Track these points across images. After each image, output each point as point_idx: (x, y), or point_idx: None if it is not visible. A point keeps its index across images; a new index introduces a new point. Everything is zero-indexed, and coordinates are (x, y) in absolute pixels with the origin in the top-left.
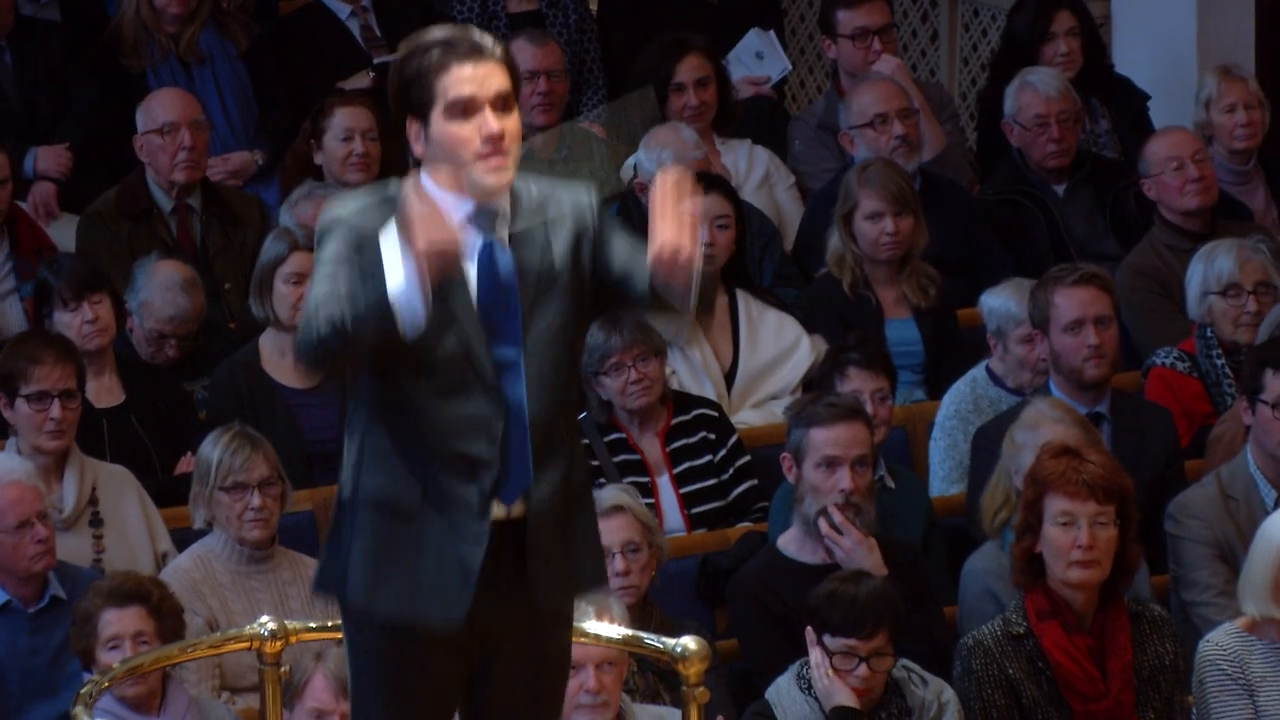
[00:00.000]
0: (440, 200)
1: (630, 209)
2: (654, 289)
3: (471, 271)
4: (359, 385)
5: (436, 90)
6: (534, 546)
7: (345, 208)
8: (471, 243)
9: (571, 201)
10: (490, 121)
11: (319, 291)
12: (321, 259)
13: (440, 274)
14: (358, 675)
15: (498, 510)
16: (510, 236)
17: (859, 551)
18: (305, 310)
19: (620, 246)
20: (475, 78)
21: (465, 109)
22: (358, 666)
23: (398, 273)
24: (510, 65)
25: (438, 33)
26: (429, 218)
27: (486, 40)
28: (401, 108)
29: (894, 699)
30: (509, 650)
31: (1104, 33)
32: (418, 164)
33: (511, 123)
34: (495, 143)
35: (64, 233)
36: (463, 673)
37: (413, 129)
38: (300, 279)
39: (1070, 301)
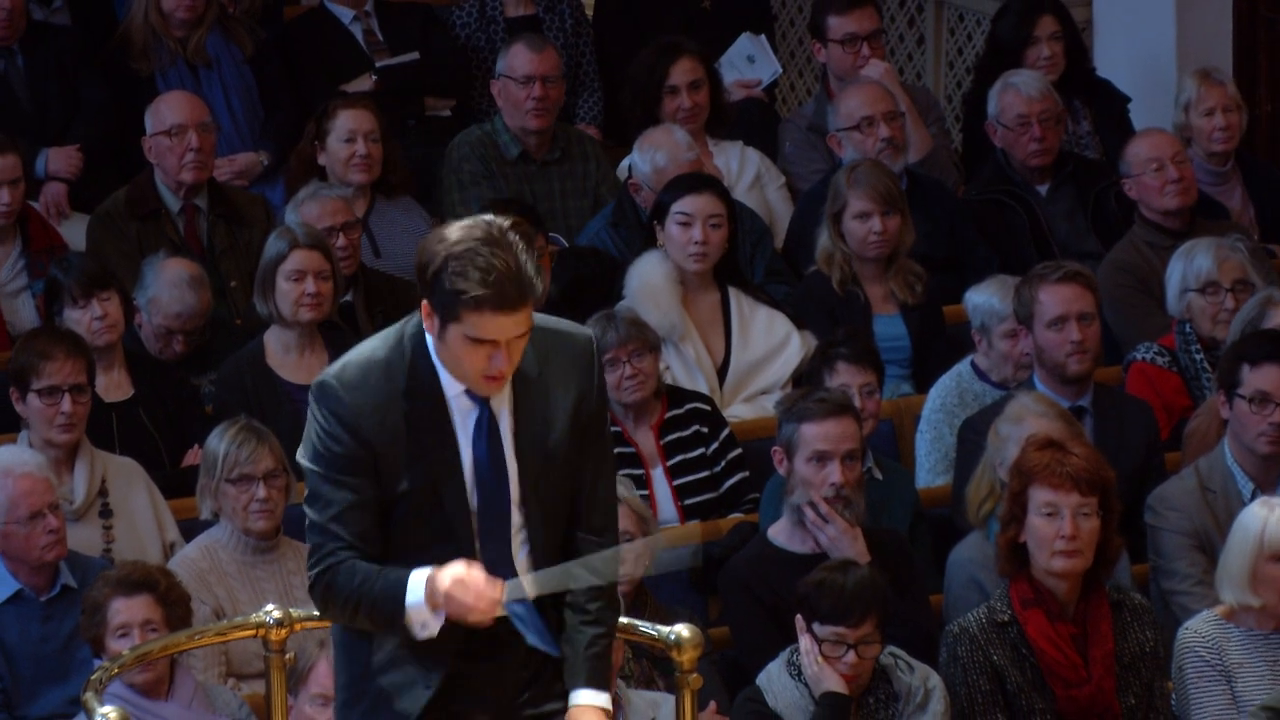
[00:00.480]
0: (439, 369)
1: (625, 209)
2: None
3: (467, 448)
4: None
5: (463, 318)
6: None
7: (339, 381)
8: (466, 413)
9: (576, 355)
10: (501, 360)
11: (322, 514)
12: (320, 477)
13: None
14: None
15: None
16: (514, 395)
17: (843, 540)
18: (313, 522)
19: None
20: (502, 327)
21: (485, 343)
22: None
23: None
24: (538, 298)
25: (484, 257)
26: (473, 608)
27: (528, 278)
28: (422, 290)
29: (881, 685)
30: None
31: (1086, 37)
32: (421, 335)
33: (519, 349)
34: (500, 374)
35: (74, 232)
36: None
37: (427, 312)
38: (300, 276)
39: (1053, 298)
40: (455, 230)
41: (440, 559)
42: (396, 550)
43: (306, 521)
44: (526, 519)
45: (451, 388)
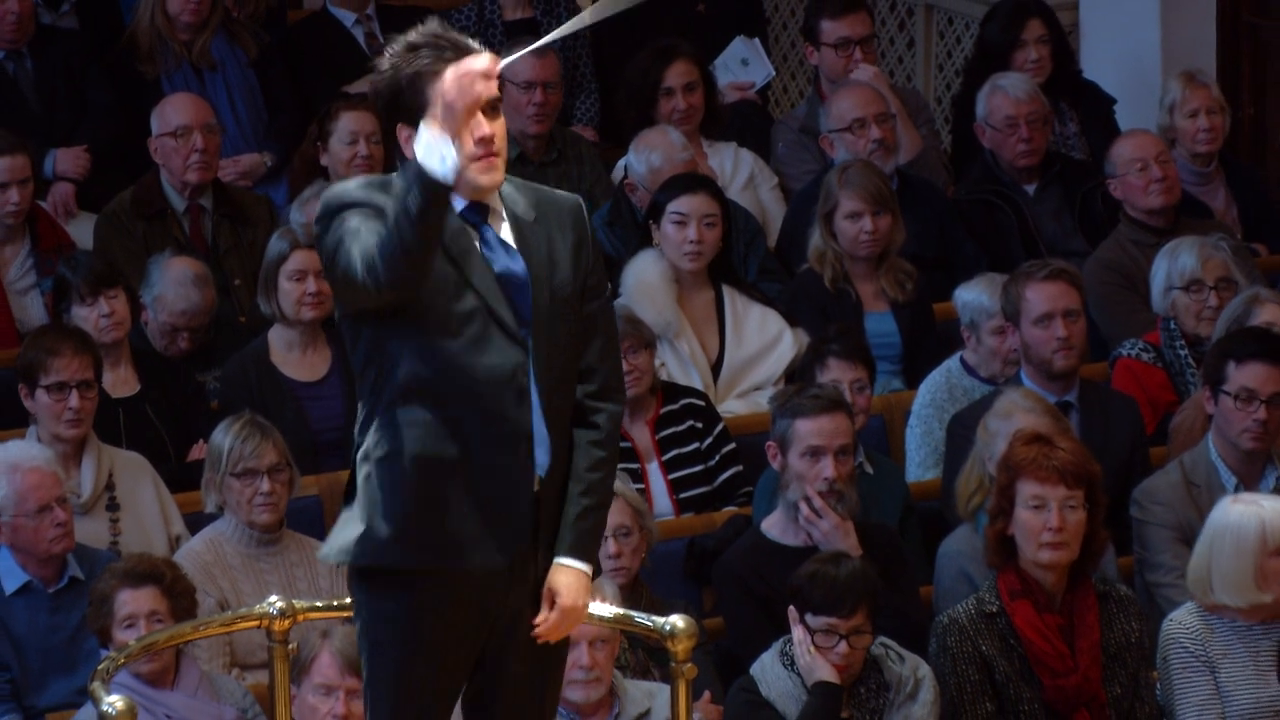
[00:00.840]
0: None
1: (621, 209)
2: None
3: (478, 245)
4: (380, 357)
5: (430, 95)
6: (543, 519)
7: (348, 185)
8: (464, 235)
9: (568, 208)
10: (483, 124)
11: (363, 232)
12: (346, 219)
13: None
14: (371, 650)
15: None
16: (512, 230)
17: (835, 534)
18: (352, 251)
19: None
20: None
21: None
22: (372, 640)
23: (423, 136)
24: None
25: (420, 35)
26: (473, 65)
27: (470, 41)
28: (391, 114)
29: (872, 674)
30: (517, 631)
31: (1072, 40)
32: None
33: (500, 125)
34: (487, 144)
35: (82, 231)
36: (472, 654)
37: (404, 134)
38: (302, 276)
39: (1040, 296)
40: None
41: (477, 336)
42: (436, 342)
43: (337, 265)
44: (537, 350)
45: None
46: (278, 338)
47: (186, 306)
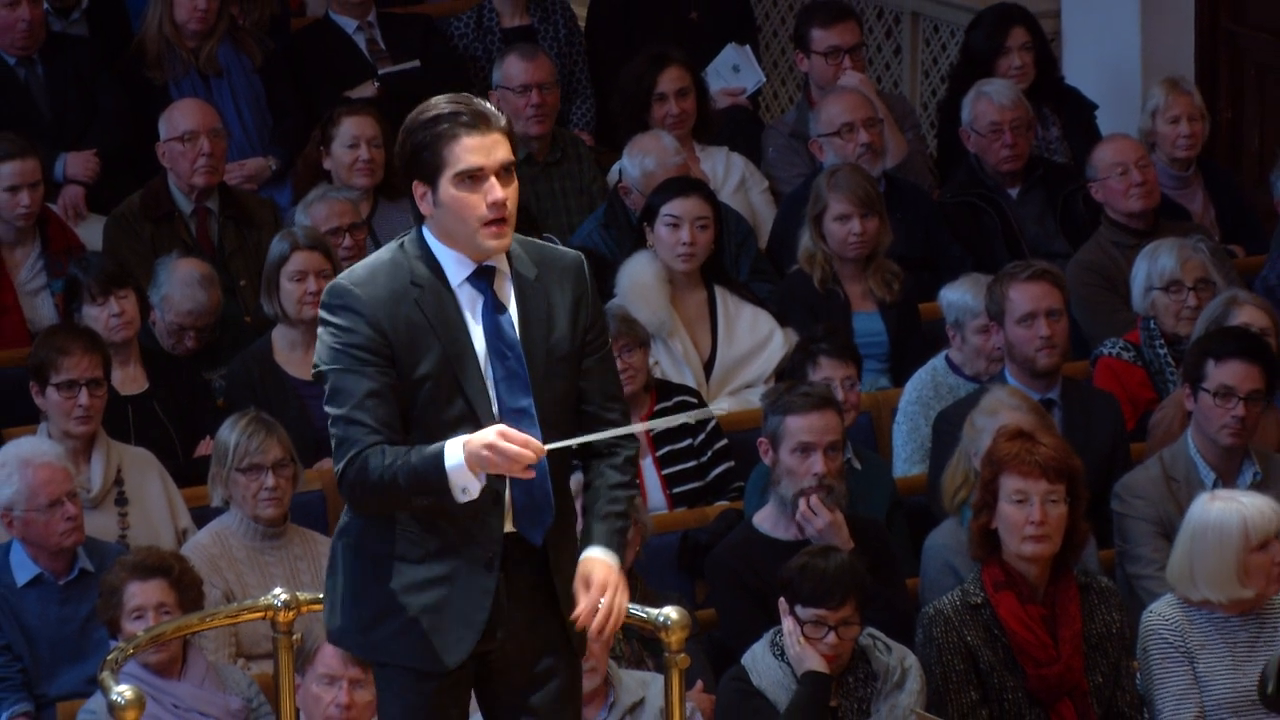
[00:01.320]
0: (441, 257)
1: (616, 211)
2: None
3: (477, 330)
4: None
5: (446, 158)
6: (555, 566)
7: (349, 280)
8: (473, 300)
9: (569, 266)
10: (496, 190)
11: (344, 406)
12: (339, 372)
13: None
14: (381, 708)
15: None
16: (515, 292)
17: (830, 530)
18: (336, 417)
19: (590, 360)
20: (482, 148)
21: (473, 177)
22: (381, 699)
23: (456, 459)
24: (511, 135)
25: (445, 103)
26: (520, 455)
27: (491, 110)
28: (409, 171)
29: (860, 664)
30: (520, 673)
31: (1055, 47)
32: (419, 220)
33: (512, 191)
34: (499, 209)
35: (92, 233)
36: (468, 696)
37: (419, 191)
38: (302, 276)
39: (1024, 296)
40: (416, 109)
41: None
42: (420, 439)
43: (330, 421)
44: (536, 408)
45: (456, 276)
46: (281, 337)
47: (193, 307)
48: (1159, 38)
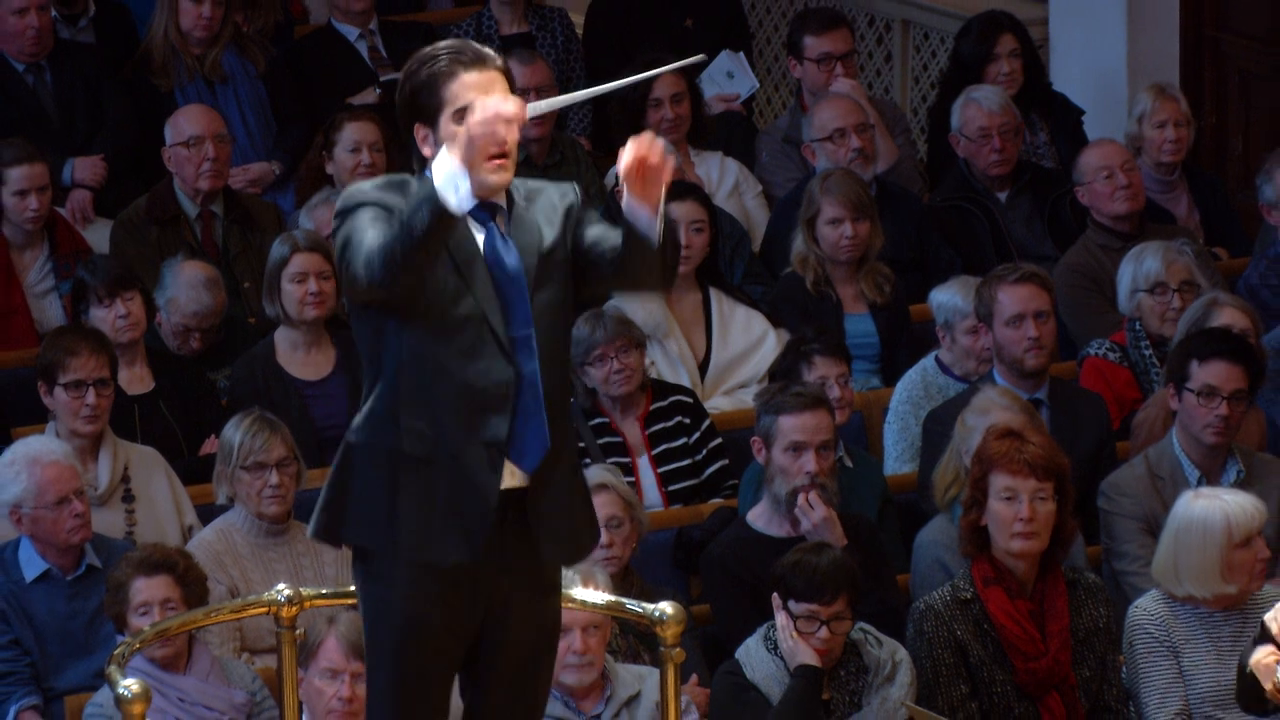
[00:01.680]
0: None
1: (612, 213)
2: (625, 224)
3: (481, 260)
4: (380, 350)
5: (445, 96)
6: (536, 509)
7: (365, 185)
8: (476, 233)
9: (559, 192)
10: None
11: (370, 231)
12: (359, 216)
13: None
14: (370, 631)
15: (507, 479)
16: (512, 223)
17: (825, 526)
18: (358, 247)
19: (595, 222)
20: (480, 84)
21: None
22: (370, 621)
23: (442, 164)
24: (508, 74)
25: (442, 43)
26: (501, 108)
27: (488, 50)
28: (410, 114)
29: (852, 658)
30: (511, 615)
31: (1043, 54)
32: (422, 165)
33: (514, 131)
34: (503, 144)
35: (99, 236)
36: (467, 635)
37: (420, 133)
38: (303, 278)
39: (1012, 298)
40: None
41: (471, 345)
42: (430, 342)
43: (338, 252)
44: (539, 349)
45: (460, 207)
46: (283, 338)
47: (198, 308)
48: (1144, 45)
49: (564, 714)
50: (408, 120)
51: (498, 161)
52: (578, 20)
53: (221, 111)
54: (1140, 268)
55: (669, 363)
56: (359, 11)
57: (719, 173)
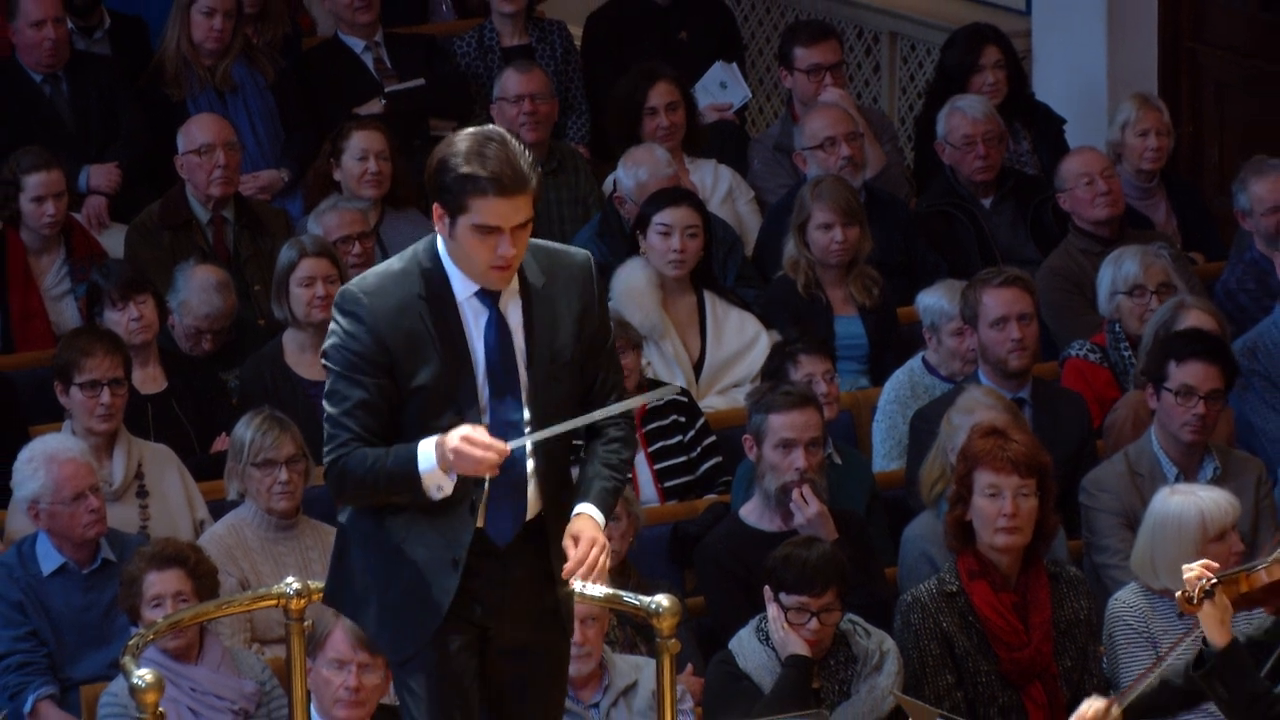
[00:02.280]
0: (451, 272)
1: (610, 220)
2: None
3: (478, 341)
4: None
5: (469, 207)
6: (554, 553)
7: (360, 288)
8: (477, 313)
9: (576, 272)
10: (507, 246)
11: (337, 407)
12: (337, 376)
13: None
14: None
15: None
16: (522, 301)
17: (817, 520)
18: (329, 415)
19: (597, 366)
20: (505, 213)
21: (489, 230)
22: (398, 677)
23: (430, 461)
24: (538, 188)
25: (478, 159)
26: (483, 459)
27: (523, 168)
28: (434, 192)
29: (841, 648)
30: (525, 654)
31: (1025, 65)
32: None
33: (523, 240)
34: (506, 261)
35: (113, 241)
36: (476, 661)
37: (439, 213)
38: (310, 281)
39: (996, 300)
40: (459, 135)
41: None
42: (410, 441)
43: (324, 415)
44: (533, 417)
45: (463, 291)
46: (291, 340)
47: (210, 311)
48: (1124, 56)
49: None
50: (432, 194)
51: (502, 274)
52: (576, 32)
53: (232, 120)
54: (1120, 271)
55: (665, 363)
56: (365, 24)
57: (713, 179)
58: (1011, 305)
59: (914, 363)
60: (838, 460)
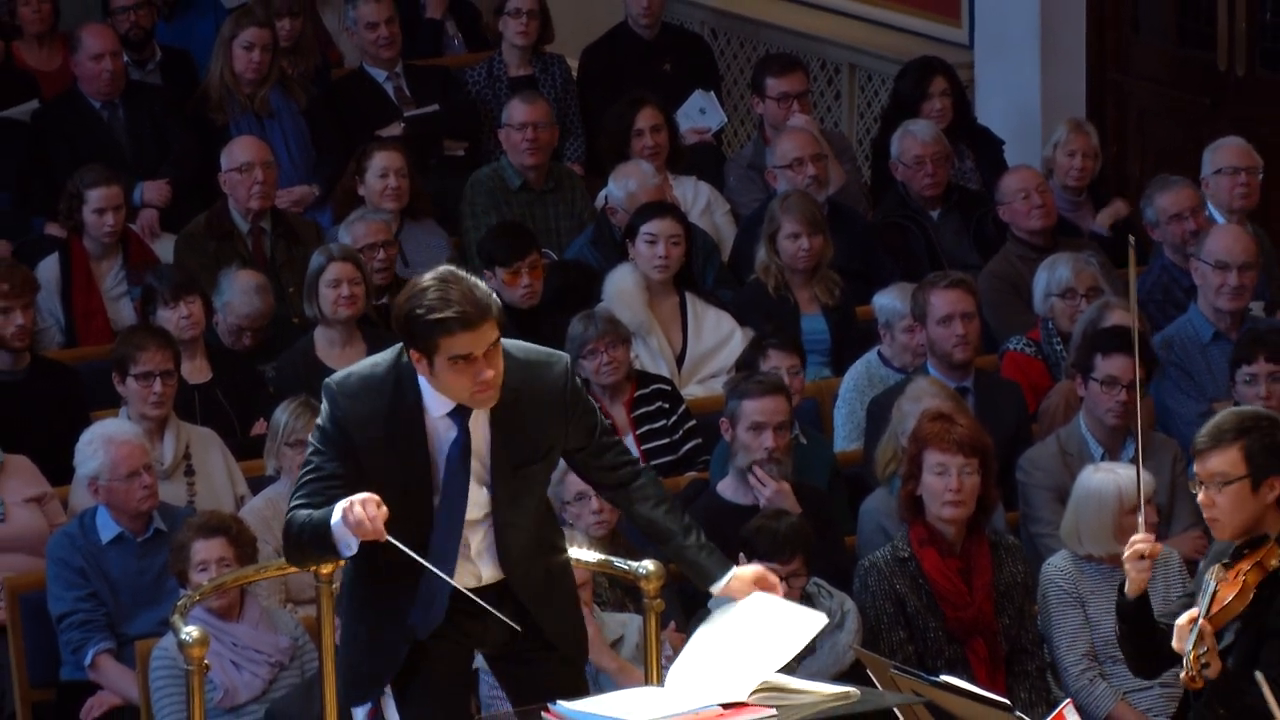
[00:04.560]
0: (427, 395)
1: (603, 230)
2: (691, 568)
3: (441, 458)
4: None
5: (441, 346)
6: (540, 618)
7: (340, 388)
8: (446, 434)
9: (550, 385)
10: (484, 370)
11: (298, 503)
12: (311, 451)
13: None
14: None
15: (472, 580)
16: (490, 417)
17: (778, 497)
18: (295, 484)
19: (598, 447)
20: (473, 341)
21: (466, 359)
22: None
23: (337, 521)
24: (500, 314)
25: (439, 302)
26: (370, 529)
27: (481, 298)
28: (407, 339)
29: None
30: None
31: (969, 93)
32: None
33: (497, 358)
34: (487, 385)
35: (165, 248)
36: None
37: (416, 356)
38: (338, 283)
39: (942, 300)
40: (421, 278)
41: (401, 538)
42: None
43: (288, 503)
44: (495, 517)
45: (436, 410)
46: (321, 336)
47: (250, 311)
48: (1056, 85)
49: None
50: (404, 340)
51: (486, 395)
52: (573, 64)
53: (269, 142)
54: (1053, 275)
55: (650, 356)
56: (387, 58)
57: (693, 194)
58: (956, 305)
59: (870, 356)
60: (803, 441)
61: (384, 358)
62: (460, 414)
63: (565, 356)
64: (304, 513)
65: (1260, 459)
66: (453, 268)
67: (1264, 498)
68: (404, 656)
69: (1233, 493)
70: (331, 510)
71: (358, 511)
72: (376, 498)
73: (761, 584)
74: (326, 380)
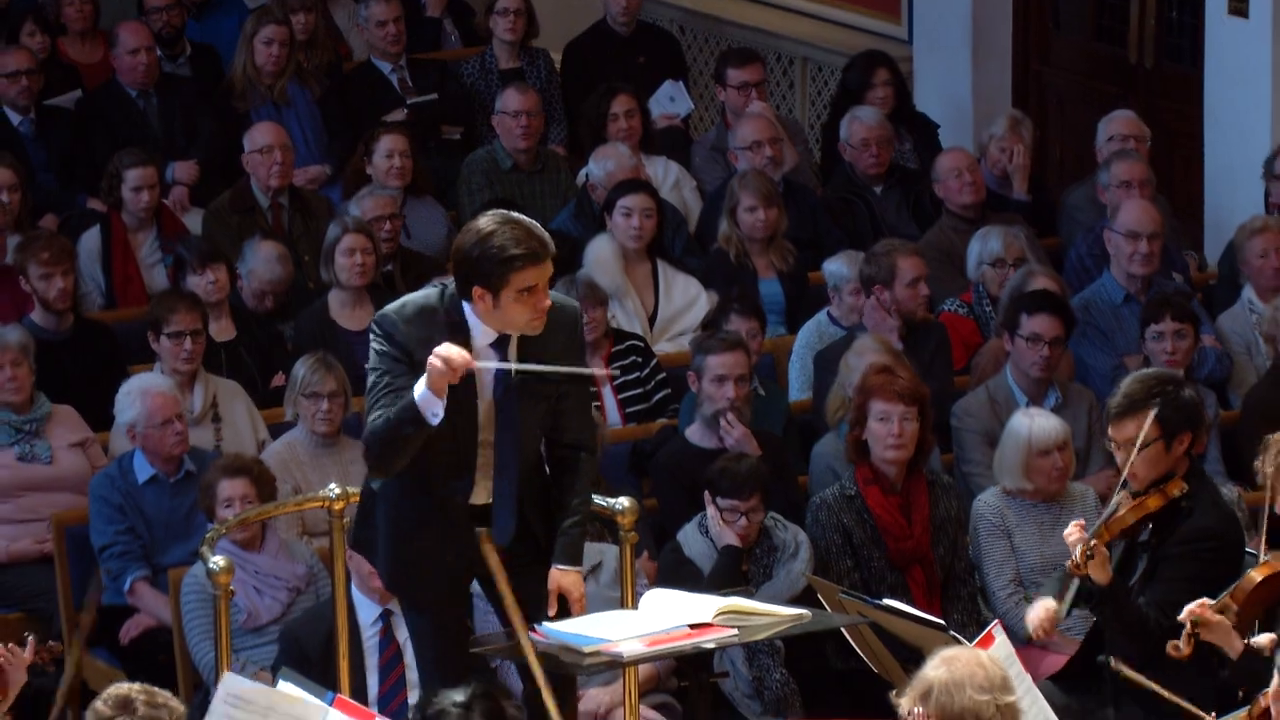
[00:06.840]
0: (474, 326)
1: (584, 204)
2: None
3: (489, 380)
4: None
5: (512, 281)
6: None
7: (399, 315)
8: (488, 356)
9: (566, 320)
10: (544, 300)
11: (377, 415)
12: (378, 375)
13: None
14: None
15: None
16: (520, 350)
17: (743, 440)
18: (369, 406)
19: (566, 409)
20: (539, 274)
21: (530, 291)
22: (407, 613)
23: (421, 391)
24: (555, 251)
25: (511, 239)
26: (450, 372)
27: (543, 235)
28: (472, 279)
29: (765, 540)
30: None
31: (909, 83)
32: (455, 298)
33: (548, 290)
34: (543, 313)
35: (193, 221)
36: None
37: (479, 293)
38: (351, 252)
39: (909, 265)
40: (479, 222)
41: (450, 465)
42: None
43: (365, 410)
44: (514, 433)
45: (481, 339)
46: (335, 298)
47: (271, 277)
48: (985, 76)
49: None
50: (469, 278)
51: (539, 322)
52: (557, 58)
53: (286, 127)
54: (986, 246)
55: (626, 316)
56: (393, 52)
57: (664, 172)
58: (922, 269)
59: (821, 316)
60: (761, 392)
61: (429, 293)
62: (501, 344)
63: (576, 303)
64: (384, 415)
65: (1172, 422)
66: (505, 211)
67: (1176, 451)
68: (461, 569)
69: (1149, 453)
70: (410, 394)
71: (442, 351)
72: (446, 346)
73: (561, 591)
74: (381, 312)
